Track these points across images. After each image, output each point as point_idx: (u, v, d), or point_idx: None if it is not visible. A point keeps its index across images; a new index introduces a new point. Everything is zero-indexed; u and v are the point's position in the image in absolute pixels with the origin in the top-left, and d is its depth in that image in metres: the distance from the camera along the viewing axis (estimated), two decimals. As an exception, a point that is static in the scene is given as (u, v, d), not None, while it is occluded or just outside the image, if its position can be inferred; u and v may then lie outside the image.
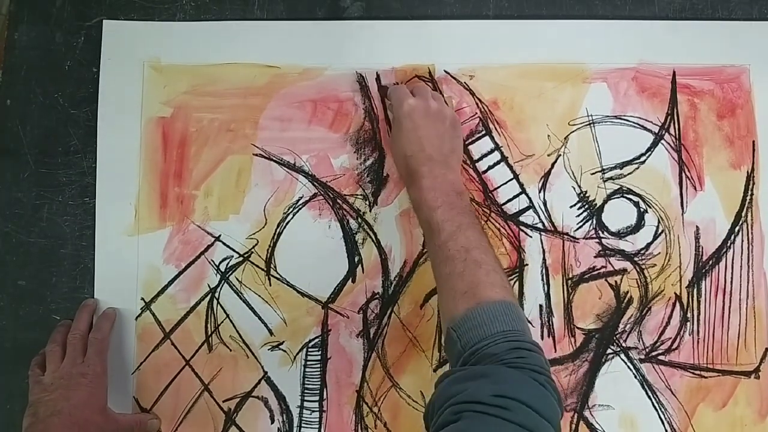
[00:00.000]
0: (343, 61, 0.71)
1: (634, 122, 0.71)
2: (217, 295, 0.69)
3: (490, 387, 0.46)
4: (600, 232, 0.70)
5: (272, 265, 0.69)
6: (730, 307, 0.69)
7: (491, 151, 0.70)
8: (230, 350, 0.68)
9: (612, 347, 0.68)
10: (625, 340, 0.69)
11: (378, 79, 0.71)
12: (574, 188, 0.70)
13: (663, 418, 0.68)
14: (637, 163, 0.70)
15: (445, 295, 0.55)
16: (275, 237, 0.69)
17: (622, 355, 0.68)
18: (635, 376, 0.68)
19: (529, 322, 0.68)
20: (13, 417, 0.68)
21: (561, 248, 0.69)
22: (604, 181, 0.70)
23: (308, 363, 0.68)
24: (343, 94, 0.71)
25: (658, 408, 0.68)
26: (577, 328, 0.69)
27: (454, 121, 0.65)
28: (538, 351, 0.51)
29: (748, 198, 0.70)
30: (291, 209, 0.70)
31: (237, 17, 0.72)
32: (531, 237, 0.69)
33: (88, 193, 0.70)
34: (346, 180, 0.70)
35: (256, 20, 0.72)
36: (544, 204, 0.70)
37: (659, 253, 0.69)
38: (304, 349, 0.68)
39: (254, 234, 0.69)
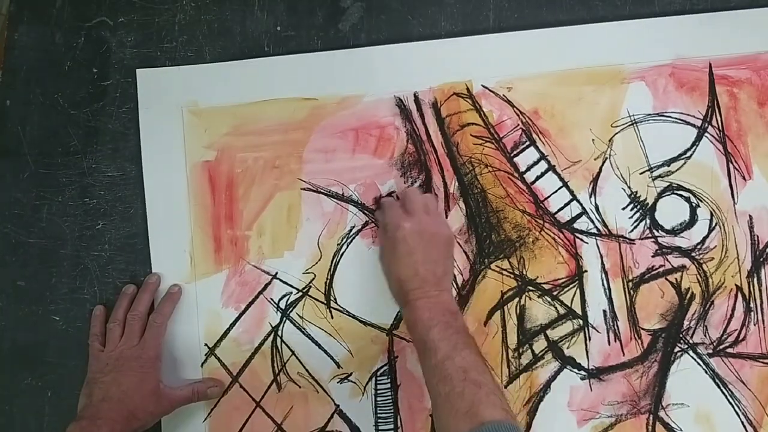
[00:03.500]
0: (380, 86, 0.71)
1: (676, 118, 0.71)
2: (280, 333, 0.69)
3: None
4: (655, 231, 0.69)
5: (332, 298, 0.69)
6: (792, 292, 0.69)
7: (537, 161, 0.70)
8: (299, 387, 0.68)
9: (679, 345, 0.68)
10: (691, 337, 0.68)
11: (416, 99, 0.71)
12: (624, 190, 0.70)
13: (738, 411, 0.68)
14: (683, 159, 0.70)
15: (445, 414, 0.54)
16: (332, 269, 0.69)
17: (690, 352, 0.68)
18: (705, 372, 0.68)
19: (594, 328, 0.68)
20: (13, 417, 0.68)
21: (618, 251, 0.69)
22: (653, 180, 0.70)
23: (379, 392, 0.68)
24: (383, 119, 0.71)
25: (731, 401, 0.68)
26: (643, 329, 0.68)
27: (447, 241, 0.65)
28: None
29: (798, 181, 0.70)
30: (344, 240, 0.69)
31: (237, 17, 0.72)
32: (587, 243, 0.69)
33: (88, 193, 0.71)
34: (395, 205, 0.70)
35: (290, 54, 0.72)
36: (597, 208, 0.70)
37: (716, 246, 0.69)
38: (373, 379, 0.68)
39: (311, 268, 0.69)
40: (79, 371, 0.67)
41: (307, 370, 0.68)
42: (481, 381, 0.54)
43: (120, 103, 0.72)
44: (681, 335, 0.68)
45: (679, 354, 0.68)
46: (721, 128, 0.71)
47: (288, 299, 0.69)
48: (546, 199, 0.70)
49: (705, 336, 0.68)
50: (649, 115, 0.71)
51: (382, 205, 0.68)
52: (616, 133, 0.70)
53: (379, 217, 0.68)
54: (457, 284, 0.69)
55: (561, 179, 0.70)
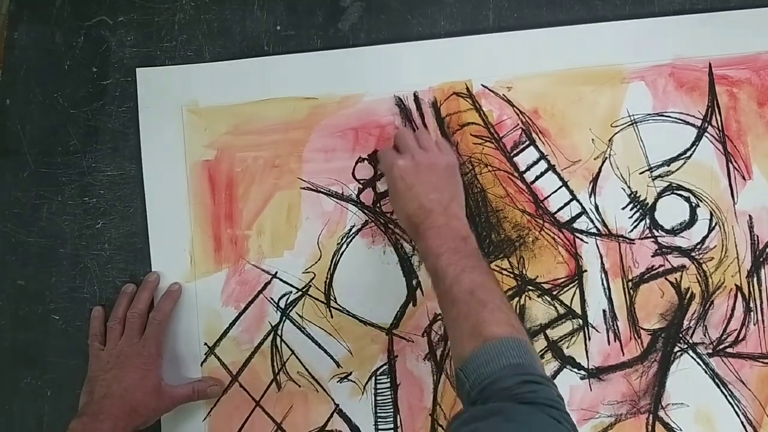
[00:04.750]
0: (380, 86, 0.71)
1: (675, 118, 0.71)
2: (279, 332, 0.69)
3: (503, 426, 0.44)
4: (654, 230, 0.69)
5: (332, 297, 0.69)
6: (792, 292, 0.69)
7: (537, 161, 0.70)
8: (299, 386, 0.68)
9: (679, 345, 0.68)
10: (691, 337, 0.68)
11: (416, 98, 0.71)
12: (624, 189, 0.70)
13: (738, 410, 0.68)
14: (683, 159, 0.70)
15: (453, 338, 0.54)
16: (332, 268, 0.69)
17: (690, 352, 0.68)
18: (705, 372, 0.68)
19: (594, 327, 0.68)
20: (13, 417, 0.68)
21: (618, 251, 0.69)
22: (653, 180, 0.70)
23: (378, 391, 0.68)
24: (383, 118, 0.71)
25: (731, 400, 0.68)
26: (643, 329, 0.68)
27: (448, 168, 0.64)
28: (550, 384, 0.49)
29: (798, 182, 0.70)
30: (344, 239, 0.69)
31: (237, 17, 0.72)
32: (587, 243, 0.69)
33: (88, 192, 0.71)
34: (395, 204, 0.70)
35: (289, 53, 0.72)
36: (596, 208, 0.70)
37: (715, 246, 0.69)
38: (373, 378, 0.68)
39: (310, 267, 0.69)
40: (79, 370, 0.67)
41: (306, 370, 0.68)
42: (487, 299, 0.53)
43: (120, 103, 0.72)
44: (681, 335, 0.68)
45: (678, 354, 0.68)
46: (720, 128, 0.71)
47: (288, 298, 0.69)
48: (546, 198, 0.70)
49: (705, 336, 0.68)
50: (649, 114, 0.71)
51: (378, 155, 0.69)
52: (616, 133, 0.70)
53: (380, 169, 0.69)
54: (456, 284, 0.69)
55: (561, 179, 0.70)
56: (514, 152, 0.70)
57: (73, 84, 0.72)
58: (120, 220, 0.71)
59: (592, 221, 0.69)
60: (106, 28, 0.73)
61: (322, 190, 0.70)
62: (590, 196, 0.70)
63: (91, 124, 0.71)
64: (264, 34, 0.73)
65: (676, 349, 0.68)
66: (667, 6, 0.72)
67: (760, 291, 0.69)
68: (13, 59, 0.73)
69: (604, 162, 0.70)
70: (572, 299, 0.69)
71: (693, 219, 0.70)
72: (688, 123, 0.71)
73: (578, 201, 0.70)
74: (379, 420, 0.68)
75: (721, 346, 0.68)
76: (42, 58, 0.72)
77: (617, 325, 0.68)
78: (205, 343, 0.68)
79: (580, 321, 0.68)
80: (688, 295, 0.69)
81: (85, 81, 0.72)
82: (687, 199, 0.70)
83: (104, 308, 0.68)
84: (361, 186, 0.70)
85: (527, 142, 0.71)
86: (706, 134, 0.70)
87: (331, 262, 0.69)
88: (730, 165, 0.70)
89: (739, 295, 0.69)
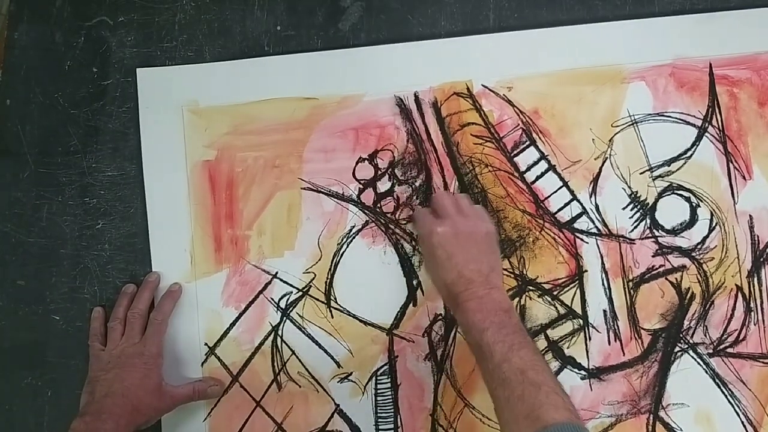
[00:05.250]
0: (380, 86, 0.71)
1: (676, 118, 0.71)
2: (280, 332, 0.69)
3: None
4: (655, 231, 0.69)
5: (332, 297, 0.69)
6: (792, 292, 0.69)
7: (538, 161, 0.70)
8: (300, 386, 0.68)
9: (679, 345, 0.68)
10: (691, 337, 0.68)
11: (417, 98, 0.71)
12: (624, 190, 0.70)
13: (738, 410, 0.67)
14: (683, 159, 0.70)
15: (507, 419, 0.53)
16: (332, 268, 0.69)
17: (691, 352, 0.68)
18: (706, 372, 0.68)
19: (594, 327, 0.68)
20: (13, 417, 0.68)
21: (618, 251, 0.69)
22: (654, 180, 0.70)
23: (379, 391, 0.68)
24: (383, 118, 0.71)
25: (731, 400, 0.68)
26: (643, 329, 0.68)
27: (488, 236, 0.63)
28: None
29: (798, 181, 0.70)
30: (344, 239, 0.69)
31: (237, 17, 0.72)
32: (587, 243, 0.69)
33: (88, 193, 0.71)
34: (396, 204, 0.70)
35: (290, 54, 0.72)
36: (597, 208, 0.70)
37: (716, 246, 0.69)
38: (374, 378, 0.68)
39: (311, 268, 0.69)
40: (79, 371, 0.67)
41: (307, 370, 0.68)
42: (540, 381, 0.52)
43: (120, 103, 0.72)
44: (681, 335, 0.68)
45: (679, 354, 0.68)
46: (721, 128, 0.71)
47: (288, 299, 0.69)
48: (546, 198, 0.70)
49: (705, 336, 0.68)
50: (650, 115, 0.71)
51: (414, 217, 0.67)
52: (617, 133, 0.70)
53: (414, 230, 0.68)
54: (457, 284, 0.69)
55: (561, 179, 0.70)
56: (515, 152, 0.70)
57: (73, 84, 0.72)
58: (120, 220, 0.71)
59: (592, 221, 0.69)
60: (106, 28, 0.73)
61: (322, 190, 0.70)
62: (591, 196, 0.70)
63: (91, 124, 0.71)
64: (264, 34, 0.73)
65: (677, 349, 0.68)
66: (667, 6, 0.72)
67: (760, 291, 0.69)
68: (13, 59, 0.73)
69: (604, 162, 0.70)
70: (573, 299, 0.69)
71: (693, 219, 0.70)
72: (688, 123, 0.71)
73: (579, 201, 0.70)
74: (379, 420, 0.68)
75: (721, 346, 0.68)
76: (42, 58, 0.72)
77: (618, 325, 0.68)
78: (206, 344, 0.68)
79: (581, 321, 0.68)
80: (689, 295, 0.69)
81: (85, 81, 0.72)
82: (687, 199, 0.70)
83: (104, 309, 0.68)
84: (361, 186, 0.70)
85: (528, 142, 0.71)
86: (706, 134, 0.70)
87: (332, 262, 0.69)
88: (731, 165, 0.70)
89: (739, 295, 0.69)
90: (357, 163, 0.70)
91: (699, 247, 0.69)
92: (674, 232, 0.69)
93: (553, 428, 0.49)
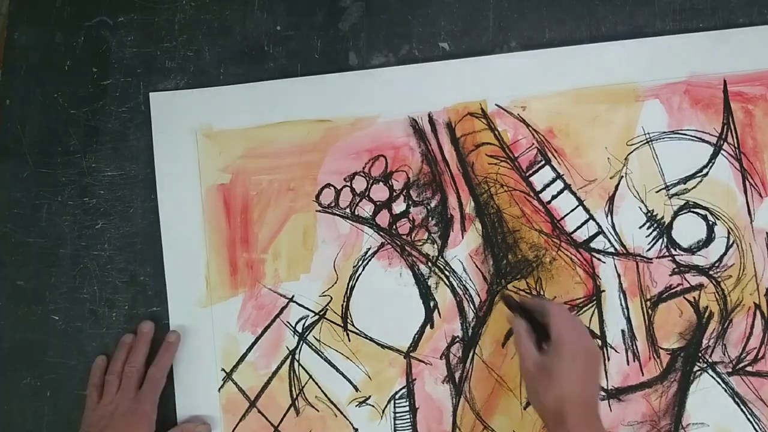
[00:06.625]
0: (394, 107, 0.71)
1: (691, 135, 0.70)
2: (297, 356, 0.68)
3: None
4: (672, 249, 0.69)
5: (349, 320, 0.69)
6: (811, 309, 0.69)
7: (553, 180, 0.70)
8: (317, 411, 0.68)
9: (698, 364, 0.68)
10: (710, 356, 0.68)
11: (431, 119, 0.70)
12: (640, 208, 0.69)
13: (758, 429, 0.67)
14: (699, 176, 0.70)
15: None
16: (348, 291, 0.69)
17: (710, 371, 0.68)
18: (725, 391, 0.68)
19: (613, 348, 0.68)
20: (12, 417, 0.68)
21: (635, 270, 0.69)
22: (670, 198, 0.70)
23: (398, 415, 0.68)
24: (398, 139, 0.71)
25: (751, 419, 0.67)
26: (662, 348, 0.68)
27: (602, 362, 0.64)
28: None
29: (815, 198, 0.70)
30: (360, 262, 0.69)
31: (237, 17, 0.72)
32: (604, 262, 0.69)
33: (88, 193, 0.71)
34: (411, 225, 0.69)
35: (303, 76, 0.72)
36: (613, 227, 0.69)
37: (733, 264, 0.69)
38: (392, 402, 0.68)
39: (327, 291, 0.69)
40: (79, 371, 0.68)
41: (325, 394, 0.68)
42: None
43: (120, 103, 0.72)
44: (700, 354, 0.68)
45: (698, 373, 0.68)
46: (736, 145, 0.70)
47: (305, 322, 0.69)
48: (562, 218, 0.69)
49: (724, 354, 0.68)
50: (665, 132, 0.70)
51: (539, 305, 0.61)
52: (632, 152, 0.70)
53: (519, 325, 0.60)
54: (474, 306, 0.68)
55: (577, 198, 0.70)
56: (530, 172, 0.70)
57: (73, 84, 0.72)
58: (120, 220, 0.70)
59: (609, 241, 0.69)
60: (106, 28, 0.73)
61: (337, 212, 0.70)
62: (607, 216, 0.69)
63: (91, 124, 0.71)
64: (264, 34, 0.72)
65: (696, 368, 0.68)
66: (667, 7, 0.72)
67: (778, 309, 0.68)
68: (13, 59, 0.73)
69: (620, 181, 0.70)
70: (591, 319, 0.68)
71: (710, 237, 0.69)
72: (703, 140, 0.70)
73: (595, 220, 0.69)
74: (398, 444, 0.67)
75: (740, 365, 0.68)
76: (42, 58, 0.73)
77: (636, 345, 0.68)
78: (222, 369, 0.68)
79: (599, 341, 0.68)
80: (707, 314, 0.68)
81: (85, 81, 0.72)
82: (704, 217, 0.69)
83: (107, 356, 0.68)
84: (376, 208, 0.70)
85: (543, 162, 0.70)
86: (722, 151, 0.70)
87: (348, 285, 0.69)
88: (747, 182, 0.70)
89: (757, 313, 0.68)
90: (371, 185, 0.70)
91: (716, 265, 0.69)
92: (691, 250, 0.69)
93: None
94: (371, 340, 0.68)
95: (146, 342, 0.67)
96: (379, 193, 0.70)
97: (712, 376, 0.68)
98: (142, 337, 0.67)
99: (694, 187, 0.70)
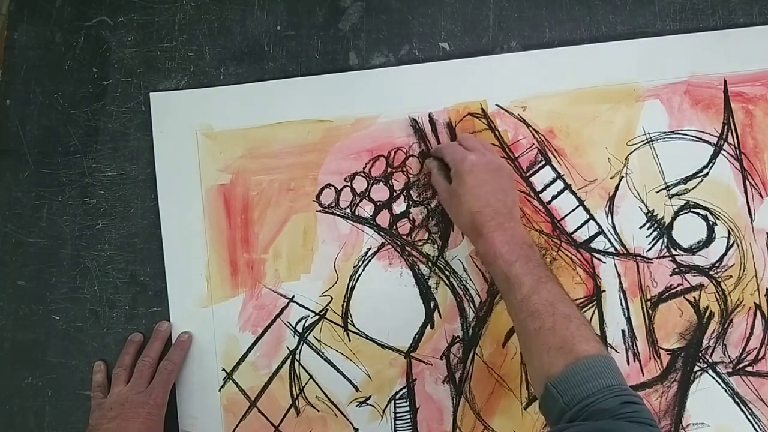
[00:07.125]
0: (394, 107, 0.71)
1: (692, 135, 0.70)
2: (297, 356, 0.68)
3: None
4: (672, 249, 0.69)
5: (349, 320, 0.69)
6: (811, 309, 0.69)
7: (553, 181, 0.70)
8: (318, 411, 0.68)
9: (699, 364, 0.68)
10: (710, 356, 0.68)
11: (431, 119, 0.71)
12: (641, 208, 0.69)
13: (758, 429, 0.67)
14: (700, 177, 0.70)
15: (537, 350, 0.54)
16: (349, 291, 0.69)
17: (710, 371, 0.68)
18: (725, 391, 0.68)
19: (613, 348, 0.68)
20: (13, 417, 0.68)
21: (636, 270, 0.69)
22: (670, 198, 0.70)
23: (398, 415, 0.68)
24: (398, 140, 0.71)
25: (752, 419, 0.67)
26: (662, 349, 0.68)
27: (510, 173, 0.65)
28: (644, 404, 0.50)
29: (815, 198, 0.70)
30: (361, 262, 0.69)
31: (237, 17, 0.72)
32: (605, 263, 0.69)
33: (88, 193, 0.71)
34: (411, 225, 0.69)
35: (303, 76, 0.72)
36: (614, 227, 0.69)
37: (734, 264, 0.69)
38: (392, 402, 0.68)
39: (327, 291, 0.69)
40: (79, 371, 0.67)
41: (325, 394, 0.68)
42: (570, 313, 0.54)
43: (120, 103, 0.72)
44: (700, 354, 0.68)
45: (698, 373, 0.68)
46: (737, 145, 0.70)
47: (305, 323, 0.69)
48: (563, 218, 0.69)
49: (724, 355, 0.68)
50: (665, 133, 0.70)
51: (439, 149, 0.67)
52: (632, 152, 0.70)
53: (431, 166, 0.67)
54: (474, 306, 0.68)
55: (577, 198, 0.70)
56: (530, 172, 0.70)
57: (73, 84, 0.72)
58: (120, 220, 0.70)
59: (609, 241, 0.69)
60: (106, 28, 0.73)
61: (337, 212, 0.70)
62: (607, 216, 0.69)
63: (91, 124, 0.71)
64: (264, 34, 0.72)
65: (696, 368, 0.68)
66: (667, 6, 0.72)
67: (779, 309, 0.69)
68: (13, 59, 0.73)
69: (620, 181, 0.70)
70: (591, 319, 0.68)
71: (711, 237, 0.69)
72: (704, 141, 0.70)
73: (595, 220, 0.69)
74: (398, 444, 0.67)
75: (740, 365, 0.68)
76: (42, 58, 0.73)
77: (636, 345, 0.68)
78: (223, 369, 0.68)
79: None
80: (707, 314, 0.69)
81: (85, 81, 0.72)
82: (704, 218, 0.69)
83: (105, 362, 0.68)
84: (376, 208, 0.70)
85: (543, 162, 0.70)
86: (722, 152, 0.70)
87: (348, 285, 0.69)
88: (747, 182, 0.70)
89: (758, 313, 0.68)
90: (372, 185, 0.70)
91: (717, 265, 0.69)
92: (692, 250, 0.69)
93: (587, 361, 0.50)
94: (371, 340, 0.68)
95: (162, 339, 0.67)
96: (380, 193, 0.70)
97: (713, 377, 0.68)
98: (158, 335, 0.67)
99: (695, 188, 0.70)
